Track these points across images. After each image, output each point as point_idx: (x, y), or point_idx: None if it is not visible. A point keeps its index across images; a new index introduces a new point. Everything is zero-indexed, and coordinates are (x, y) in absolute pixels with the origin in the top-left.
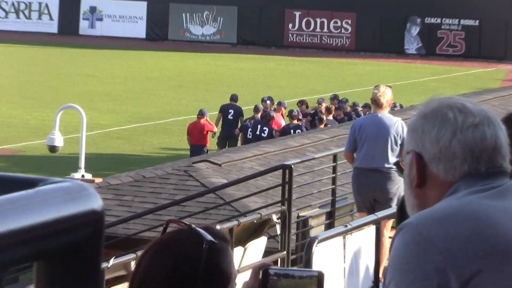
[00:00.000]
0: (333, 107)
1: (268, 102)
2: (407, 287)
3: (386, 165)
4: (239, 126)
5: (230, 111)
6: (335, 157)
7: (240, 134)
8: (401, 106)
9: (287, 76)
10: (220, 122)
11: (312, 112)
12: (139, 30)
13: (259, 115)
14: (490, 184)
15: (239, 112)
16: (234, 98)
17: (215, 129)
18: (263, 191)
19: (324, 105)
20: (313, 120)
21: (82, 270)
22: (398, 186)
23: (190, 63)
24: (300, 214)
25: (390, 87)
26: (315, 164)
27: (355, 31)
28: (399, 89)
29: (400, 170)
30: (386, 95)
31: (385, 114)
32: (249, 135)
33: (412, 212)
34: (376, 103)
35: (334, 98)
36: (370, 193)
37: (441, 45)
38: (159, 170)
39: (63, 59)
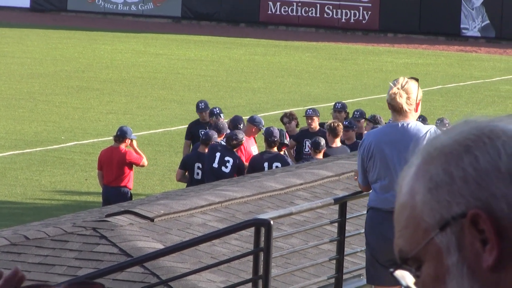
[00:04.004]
0: (340, 126)
1: (221, 117)
2: None
3: None
4: None
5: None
6: (342, 208)
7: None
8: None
9: (265, 73)
10: None
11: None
12: None
13: (219, 138)
14: None
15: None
16: None
17: (144, 161)
18: (223, 263)
19: (315, 120)
20: (300, 145)
21: None
22: None
23: (103, 50)
24: None
25: (416, 79)
26: (309, 219)
27: None
28: (451, 95)
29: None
30: (409, 93)
31: (410, 122)
32: (197, 173)
33: None
34: (392, 106)
35: (342, 109)
36: (391, 248)
37: None
38: (51, 227)
39: None
